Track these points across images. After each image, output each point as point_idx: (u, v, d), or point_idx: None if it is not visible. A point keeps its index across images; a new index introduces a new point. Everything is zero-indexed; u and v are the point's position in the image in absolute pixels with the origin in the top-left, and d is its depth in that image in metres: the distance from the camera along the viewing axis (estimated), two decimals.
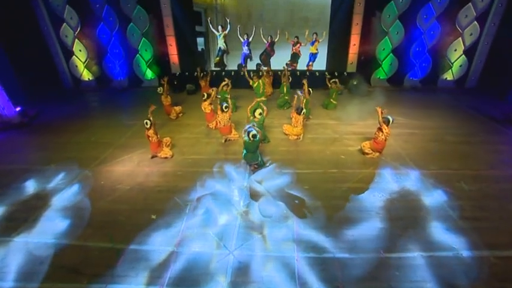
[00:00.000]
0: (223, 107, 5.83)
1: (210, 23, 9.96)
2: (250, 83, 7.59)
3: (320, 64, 10.42)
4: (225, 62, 10.67)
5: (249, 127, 4.66)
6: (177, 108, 7.73)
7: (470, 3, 8.91)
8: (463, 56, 9.66)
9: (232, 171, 5.01)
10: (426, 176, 4.86)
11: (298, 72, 10.25)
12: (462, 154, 5.57)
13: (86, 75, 10.89)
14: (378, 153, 5.40)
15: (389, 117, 5.14)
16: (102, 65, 10.72)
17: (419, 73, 10.20)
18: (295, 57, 10.31)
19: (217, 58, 10.52)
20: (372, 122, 7.22)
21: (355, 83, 9.79)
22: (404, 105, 8.46)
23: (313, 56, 10.27)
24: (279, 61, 10.33)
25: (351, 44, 9.80)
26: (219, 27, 9.95)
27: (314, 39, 9.90)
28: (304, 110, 6.00)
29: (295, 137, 6.18)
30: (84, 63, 10.66)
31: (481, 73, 9.86)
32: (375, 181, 4.72)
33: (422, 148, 5.86)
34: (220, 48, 10.30)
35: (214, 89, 6.96)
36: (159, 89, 7.45)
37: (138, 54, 10.36)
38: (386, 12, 9.39)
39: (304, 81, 6.84)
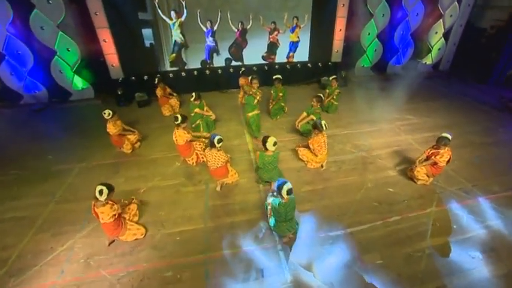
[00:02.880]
0: (216, 141, 3.77)
1: (159, 7, 7.32)
2: (246, 90, 5.54)
3: (302, 55, 8.78)
4: (184, 59, 8.23)
5: (280, 181, 2.85)
6: (132, 137, 5.30)
7: None
8: (442, 38, 9.29)
9: (258, 253, 3.12)
10: (500, 205, 3.78)
11: (276, 66, 8.53)
12: (508, 161, 4.75)
13: None
14: (431, 179, 4.12)
15: (446, 135, 3.84)
16: (0, 75, 7.28)
17: (402, 58, 9.52)
18: (272, 47, 8.48)
19: (173, 55, 8.04)
20: (389, 126, 6.03)
21: (343, 75, 8.58)
22: (404, 98, 7.47)
23: (293, 45, 8.57)
24: (254, 54, 8.41)
25: (336, 29, 8.33)
26: (172, 13, 7.44)
27: (295, 25, 8.16)
28: (323, 122, 4.31)
29: (318, 165, 4.52)
30: None
31: (454, 55, 9.70)
32: (454, 229, 3.42)
33: (461, 159, 4.83)
34: (175, 41, 7.84)
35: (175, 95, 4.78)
36: (106, 112, 4.89)
37: (56, 56, 7.25)
38: None
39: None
